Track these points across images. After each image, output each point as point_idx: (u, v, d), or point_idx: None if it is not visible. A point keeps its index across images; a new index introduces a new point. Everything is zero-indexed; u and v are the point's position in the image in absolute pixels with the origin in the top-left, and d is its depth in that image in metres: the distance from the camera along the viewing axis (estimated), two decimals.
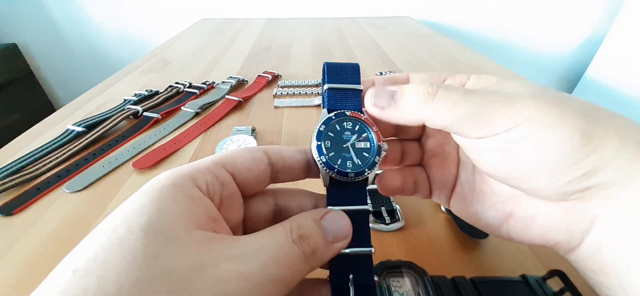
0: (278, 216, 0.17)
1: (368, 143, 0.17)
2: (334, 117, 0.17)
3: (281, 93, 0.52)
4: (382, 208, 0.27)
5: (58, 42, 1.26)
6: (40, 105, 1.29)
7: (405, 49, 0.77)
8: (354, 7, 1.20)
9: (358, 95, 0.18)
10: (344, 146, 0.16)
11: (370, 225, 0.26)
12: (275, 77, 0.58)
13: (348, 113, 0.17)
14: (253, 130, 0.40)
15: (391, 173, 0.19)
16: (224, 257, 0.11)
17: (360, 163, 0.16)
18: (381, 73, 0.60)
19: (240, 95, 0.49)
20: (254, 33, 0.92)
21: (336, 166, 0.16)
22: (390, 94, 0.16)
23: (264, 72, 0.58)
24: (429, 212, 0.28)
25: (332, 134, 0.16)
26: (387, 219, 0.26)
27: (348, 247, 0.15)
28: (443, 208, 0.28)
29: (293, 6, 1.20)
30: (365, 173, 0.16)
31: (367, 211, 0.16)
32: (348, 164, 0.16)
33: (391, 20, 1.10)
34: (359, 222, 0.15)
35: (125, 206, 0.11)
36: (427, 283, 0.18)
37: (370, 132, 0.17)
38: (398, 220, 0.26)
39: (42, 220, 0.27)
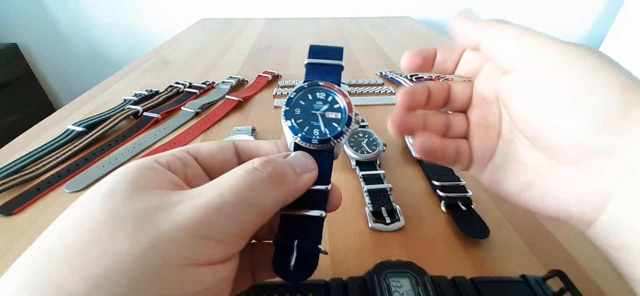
0: None
1: (339, 114, 0.17)
2: (306, 86, 0.17)
3: (281, 93, 0.52)
4: (382, 208, 0.27)
5: (58, 42, 1.26)
6: (40, 105, 1.29)
7: (405, 49, 0.76)
8: (354, 7, 1.20)
9: (338, 71, 0.18)
10: (313, 113, 0.16)
11: (371, 225, 0.26)
12: (275, 77, 0.58)
13: (321, 83, 0.17)
14: (253, 130, 0.40)
15: (430, 135, 0.19)
16: (182, 198, 0.11)
17: (327, 132, 0.16)
18: (381, 73, 0.60)
19: (241, 95, 0.49)
20: (254, 33, 0.92)
21: (301, 133, 0.16)
22: (472, 17, 0.17)
23: (264, 72, 0.58)
24: (429, 212, 0.28)
25: (302, 103, 0.16)
26: (387, 219, 0.26)
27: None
28: (443, 208, 0.28)
29: (293, 6, 1.20)
30: (330, 142, 0.16)
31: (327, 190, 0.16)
32: (315, 131, 0.16)
33: (391, 20, 1.10)
34: (319, 196, 0.15)
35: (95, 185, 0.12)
36: (427, 283, 0.18)
37: (343, 102, 0.17)
38: (398, 220, 0.26)
39: (42, 220, 0.27)
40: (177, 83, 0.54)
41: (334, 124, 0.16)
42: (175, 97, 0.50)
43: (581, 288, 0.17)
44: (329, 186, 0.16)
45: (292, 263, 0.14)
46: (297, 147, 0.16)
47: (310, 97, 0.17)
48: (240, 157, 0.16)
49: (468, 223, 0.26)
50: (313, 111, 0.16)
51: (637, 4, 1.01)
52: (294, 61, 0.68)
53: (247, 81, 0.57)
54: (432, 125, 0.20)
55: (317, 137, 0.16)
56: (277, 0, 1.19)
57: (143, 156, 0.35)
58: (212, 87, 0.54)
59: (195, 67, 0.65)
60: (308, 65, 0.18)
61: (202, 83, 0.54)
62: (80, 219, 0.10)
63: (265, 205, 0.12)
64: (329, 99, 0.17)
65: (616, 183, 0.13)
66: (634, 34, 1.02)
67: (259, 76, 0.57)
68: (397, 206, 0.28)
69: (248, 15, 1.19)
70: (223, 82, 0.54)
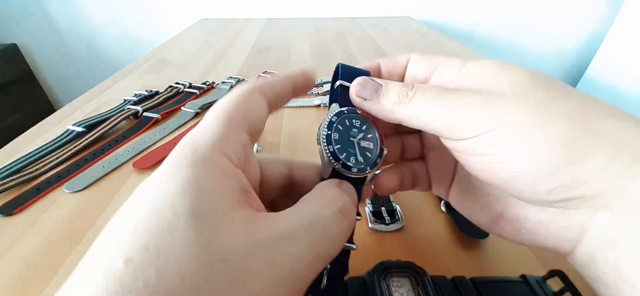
0: (290, 184, 0.17)
1: (372, 144, 0.17)
2: (346, 112, 0.17)
3: None
4: (382, 208, 0.27)
5: (58, 42, 1.26)
6: (40, 105, 1.29)
7: (405, 49, 0.77)
8: (354, 7, 1.20)
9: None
10: (350, 140, 0.16)
11: (371, 225, 0.26)
12: None
13: (359, 111, 0.17)
14: None
15: (388, 173, 0.19)
16: (274, 238, 0.11)
17: (363, 161, 0.16)
18: None
19: None
20: (254, 33, 0.92)
21: (341, 158, 0.16)
22: (375, 88, 0.16)
23: (264, 72, 0.58)
24: (429, 212, 0.28)
25: (341, 128, 0.16)
26: (387, 219, 0.26)
27: None
28: (443, 208, 0.28)
29: (293, 6, 1.20)
30: (366, 171, 0.16)
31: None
32: (352, 159, 0.16)
33: (391, 20, 1.10)
34: None
35: (161, 186, 0.10)
36: (427, 283, 0.18)
37: (375, 134, 0.17)
38: (398, 220, 0.26)
39: (42, 220, 0.27)
40: (177, 83, 0.54)
41: (368, 153, 0.16)
42: (175, 97, 0.50)
43: (581, 288, 0.17)
44: (360, 217, 0.16)
45: (323, 284, 0.15)
46: (334, 173, 0.16)
47: (347, 123, 0.17)
48: (291, 170, 0.16)
49: (468, 223, 0.26)
50: (351, 138, 0.16)
51: (637, 4, 1.01)
52: (294, 61, 0.68)
53: (247, 81, 0.57)
54: (388, 154, 0.19)
55: (355, 165, 0.16)
56: (277, 0, 1.19)
57: (143, 156, 0.36)
58: (212, 88, 0.54)
59: (195, 67, 0.65)
60: (340, 87, 0.17)
61: (202, 83, 0.54)
62: (180, 257, 0.09)
63: (334, 256, 0.12)
64: (363, 127, 0.17)
65: (588, 219, 0.12)
66: (634, 34, 1.02)
67: (259, 76, 0.57)
68: (397, 206, 0.28)
69: (248, 15, 1.19)
70: (223, 82, 0.54)
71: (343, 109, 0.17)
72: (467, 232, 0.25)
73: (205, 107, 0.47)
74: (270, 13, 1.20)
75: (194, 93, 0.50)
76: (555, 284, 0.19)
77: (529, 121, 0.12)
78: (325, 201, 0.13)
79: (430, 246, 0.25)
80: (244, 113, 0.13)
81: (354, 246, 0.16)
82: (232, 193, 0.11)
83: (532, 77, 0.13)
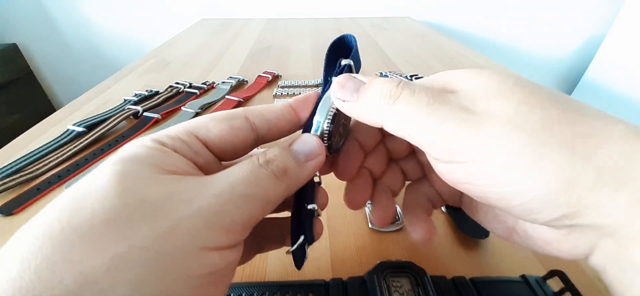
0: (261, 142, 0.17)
1: (343, 129, 0.17)
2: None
3: (281, 93, 0.51)
4: None
5: (58, 42, 1.26)
6: (40, 105, 1.29)
7: (405, 49, 0.77)
8: (354, 7, 1.20)
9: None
10: (343, 122, 0.17)
11: (371, 225, 0.26)
12: (275, 78, 0.58)
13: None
14: None
15: (385, 208, 0.18)
16: (195, 185, 0.11)
17: (341, 143, 0.18)
18: (381, 73, 0.60)
19: (241, 95, 0.49)
20: (254, 33, 0.92)
21: (332, 142, 0.16)
22: (356, 87, 0.14)
23: (264, 73, 0.58)
24: None
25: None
26: None
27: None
28: (443, 208, 0.28)
29: (293, 6, 1.20)
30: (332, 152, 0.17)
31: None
32: (334, 139, 0.17)
33: (391, 20, 1.10)
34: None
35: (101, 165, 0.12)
36: (426, 283, 0.18)
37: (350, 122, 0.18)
38: (398, 220, 0.26)
39: None
40: (177, 83, 0.54)
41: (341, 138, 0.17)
42: (175, 97, 0.50)
43: (581, 288, 0.17)
44: (317, 179, 0.17)
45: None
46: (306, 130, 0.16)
47: None
48: (257, 133, 0.15)
49: (468, 223, 0.26)
50: (344, 121, 0.17)
51: (637, 4, 1.01)
52: (294, 61, 0.68)
53: (247, 81, 0.57)
54: (389, 184, 0.19)
55: (335, 145, 0.16)
56: (277, 0, 1.19)
57: None
58: (212, 88, 0.54)
59: (195, 67, 0.65)
60: (347, 66, 0.16)
61: (202, 83, 0.54)
62: (97, 199, 0.10)
63: (270, 199, 0.13)
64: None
65: (594, 242, 0.11)
66: (634, 34, 1.02)
67: (259, 76, 0.57)
68: (397, 207, 0.28)
69: (248, 15, 1.19)
70: (223, 82, 0.54)
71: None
72: (467, 232, 0.25)
73: (206, 107, 0.47)
74: (270, 13, 1.20)
75: (194, 93, 0.50)
76: (555, 284, 0.19)
77: (523, 154, 0.11)
78: (252, 157, 0.13)
79: (430, 246, 0.25)
80: (207, 127, 0.14)
81: (316, 208, 0.16)
82: (164, 162, 0.12)
83: (527, 93, 0.12)
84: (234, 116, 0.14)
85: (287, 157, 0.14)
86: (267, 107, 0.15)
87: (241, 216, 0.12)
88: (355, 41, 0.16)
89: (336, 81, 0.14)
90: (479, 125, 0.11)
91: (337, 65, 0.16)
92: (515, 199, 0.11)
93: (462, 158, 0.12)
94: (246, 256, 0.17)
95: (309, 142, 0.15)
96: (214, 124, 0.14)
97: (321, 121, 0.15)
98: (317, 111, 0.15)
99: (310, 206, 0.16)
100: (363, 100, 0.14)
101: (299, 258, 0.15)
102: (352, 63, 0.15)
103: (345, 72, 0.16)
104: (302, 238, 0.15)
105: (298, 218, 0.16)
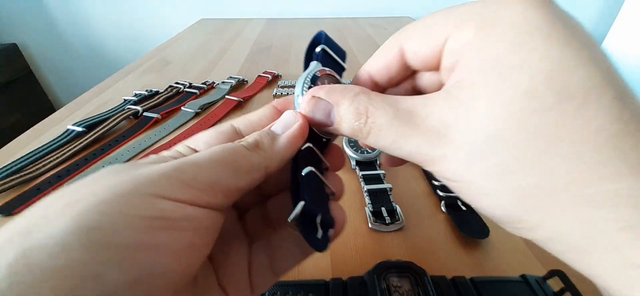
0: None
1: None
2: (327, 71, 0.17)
3: (281, 93, 0.51)
4: (382, 208, 0.27)
5: (58, 42, 1.26)
6: (40, 105, 1.29)
7: None
8: (354, 7, 1.20)
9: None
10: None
11: (371, 226, 0.26)
12: (275, 77, 0.58)
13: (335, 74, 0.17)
14: None
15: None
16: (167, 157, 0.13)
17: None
18: None
19: (241, 95, 0.49)
20: (254, 33, 0.92)
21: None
22: (327, 112, 0.14)
23: (264, 72, 0.58)
24: (429, 212, 0.28)
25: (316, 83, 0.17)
26: (387, 219, 0.26)
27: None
28: (443, 208, 0.28)
29: (293, 6, 1.20)
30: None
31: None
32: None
33: (391, 20, 1.10)
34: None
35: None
36: (426, 283, 0.18)
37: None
38: (398, 220, 0.26)
39: None
40: (177, 83, 0.54)
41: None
42: (175, 97, 0.50)
43: (581, 288, 0.17)
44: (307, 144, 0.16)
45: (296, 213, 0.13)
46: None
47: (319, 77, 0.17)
48: (241, 134, 0.16)
49: (468, 223, 0.26)
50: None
51: (637, 4, 1.01)
52: (294, 61, 0.68)
53: (247, 81, 0.57)
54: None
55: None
56: (277, 0, 1.19)
57: (143, 156, 0.35)
58: (212, 87, 0.54)
59: (195, 67, 0.65)
60: (323, 51, 0.18)
61: (202, 83, 0.54)
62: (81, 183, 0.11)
63: (241, 166, 0.13)
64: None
65: (573, 255, 0.11)
66: (634, 34, 1.02)
67: (259, 76, 0.57)
68: (397, 206, 0.28)
69: (248, 15, 1.19)
70: (223, 82, 0.54)
71: (325, 68, 0.17)
72: (467, 232, 0.25)
73: (205, 107, 0.47)
74: (270, 13, 1.20)
75: (194, 93, 0.50)
76: (555, 284, 0.19)
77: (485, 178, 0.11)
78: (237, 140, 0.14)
79: (430, 246, 0.25)
80: (197, 140, 0.15)
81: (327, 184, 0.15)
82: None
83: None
84: (220, 125, 0.16)
85: (260, 133, 0.14)
86: (251, 113, 0.17)
87: (203, 175, 0.12)
88: (326, 33, 0.18)
89: (305, 100, 0.15)
90: (441, 161, 0.12)
91: (314, 53, 0.18)
92: (493, 215, 0.12)
93: (442, 177, 0.12)
94: (263, 282, 0.16)
95: (283, 116, 0.15)
96: (204, 137, 0.15)
97: (299, 94, 0.16)
98: (296, 86, 0.16)
99: (305, 171, 0.14)
100: (341, 127, 0.14)
101: (308, 231, 0.13)
102: (326, 47, 0.17)
103: (321, 57, 0.17)
104: (301, 203, 0.14)
105: (294, 186, 0.15)
